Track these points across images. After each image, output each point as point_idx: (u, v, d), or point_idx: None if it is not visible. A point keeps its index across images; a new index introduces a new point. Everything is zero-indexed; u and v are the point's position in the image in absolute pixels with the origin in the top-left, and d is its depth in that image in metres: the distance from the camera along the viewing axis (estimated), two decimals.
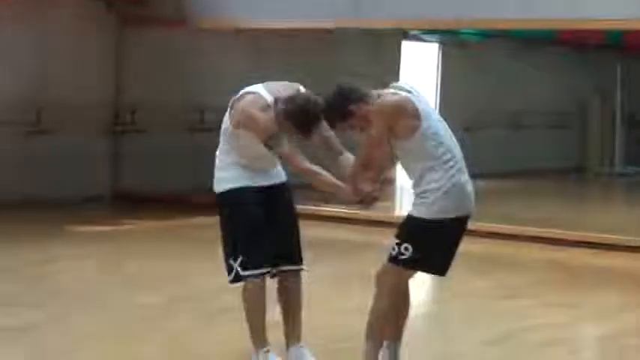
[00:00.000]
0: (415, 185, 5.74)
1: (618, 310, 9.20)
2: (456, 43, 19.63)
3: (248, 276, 6.09)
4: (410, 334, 8.18)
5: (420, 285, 11.44)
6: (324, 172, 6.07)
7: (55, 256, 11.26)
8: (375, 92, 5.87)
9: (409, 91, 5.82)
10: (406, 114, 5.66)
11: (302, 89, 6.22)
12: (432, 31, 18.55)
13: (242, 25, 14.52)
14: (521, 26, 14.86)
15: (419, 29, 17.97)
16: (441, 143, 5.70)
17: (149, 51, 15.58)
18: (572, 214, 15.18)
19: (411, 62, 19.54)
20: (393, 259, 5.72)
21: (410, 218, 5.74)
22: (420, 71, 19.78)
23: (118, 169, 16.14)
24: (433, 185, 5.64)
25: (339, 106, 5.84)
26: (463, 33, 18.57)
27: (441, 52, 20.03)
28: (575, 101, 21.74)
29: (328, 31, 15.53)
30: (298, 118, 5.94)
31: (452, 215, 5.69)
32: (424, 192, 5.67)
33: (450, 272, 11.88)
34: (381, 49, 18.33)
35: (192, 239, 12.85)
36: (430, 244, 5.66)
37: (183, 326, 7.88)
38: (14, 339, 7.59)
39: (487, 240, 12.60)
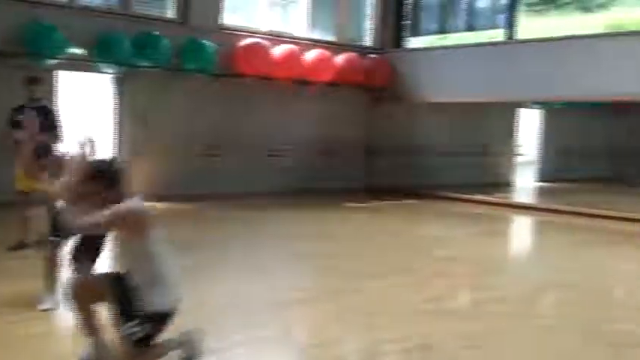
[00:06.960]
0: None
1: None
2: (550, 109, 20.05)
3: None
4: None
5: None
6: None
7: None
8: None
9: None
10: None
11: None
12: (536, 103, 18.99)
13: (432, 100, 15.32)
14: (581, 99, 15.36)
15: (529, 101, 18.47)
16: None
17: (384, 115, 16.41)
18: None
19: (524, 121, 20.06)
20: None
21: None
22: (527, 126, 20.40)
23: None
24: None
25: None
26: (555, 104, 18.92)
27: (541, 114, 20.54)
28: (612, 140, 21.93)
29: (476, 104, 16.15)
30: None
31: None
32: None
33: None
34: (506, 113, 19.11)
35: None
36: None
37: None
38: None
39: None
